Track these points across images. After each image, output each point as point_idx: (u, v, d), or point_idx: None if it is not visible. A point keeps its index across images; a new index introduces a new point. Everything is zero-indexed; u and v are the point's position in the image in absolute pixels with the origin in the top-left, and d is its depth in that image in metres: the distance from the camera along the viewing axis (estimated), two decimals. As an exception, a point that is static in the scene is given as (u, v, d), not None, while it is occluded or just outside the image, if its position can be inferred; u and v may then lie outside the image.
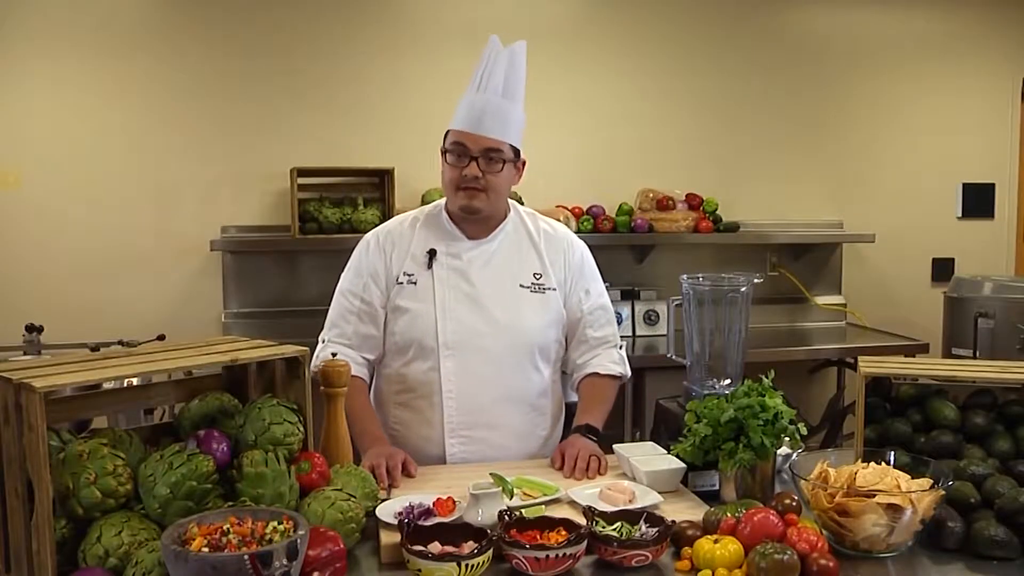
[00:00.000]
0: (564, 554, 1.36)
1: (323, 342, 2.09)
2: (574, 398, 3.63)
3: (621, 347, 2.21)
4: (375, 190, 3.92)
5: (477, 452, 2.03)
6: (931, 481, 1.49)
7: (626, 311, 4.05)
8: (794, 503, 1.52)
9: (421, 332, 2.04)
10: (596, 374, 2.14)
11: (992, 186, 4.59)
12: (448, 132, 2.02)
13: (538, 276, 2.10)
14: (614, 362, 2.16)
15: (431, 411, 2.04)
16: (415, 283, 2.06)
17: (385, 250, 2.10)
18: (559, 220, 3.75)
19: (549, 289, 2.10)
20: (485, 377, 2.03)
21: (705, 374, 1.96)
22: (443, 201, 2.14)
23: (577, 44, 4.11)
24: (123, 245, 3.74)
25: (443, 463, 2.02)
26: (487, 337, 2.03)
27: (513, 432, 2.06)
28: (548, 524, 1.45)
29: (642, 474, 1.74)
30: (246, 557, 1.16)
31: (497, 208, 2.08)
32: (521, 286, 2.08)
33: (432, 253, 2.07)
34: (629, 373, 2.21)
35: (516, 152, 2.03)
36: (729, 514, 1.47)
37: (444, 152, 2.01)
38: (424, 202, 3.77)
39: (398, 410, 2.09)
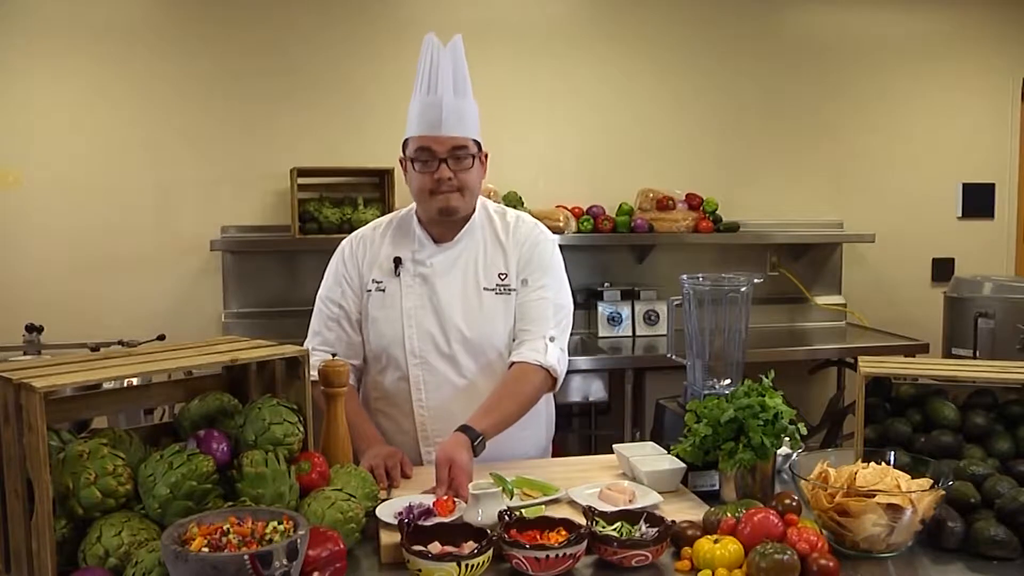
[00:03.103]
0: (564, 554, 1.36)
1: (309, 351, 2.07)
2: (569, 398, 3.59)
3: (552, 339, 2.00)
4: (375, 190, 3.92)
5: None
6: (931, 481, 1.49)
7: (626, 311, 4.05)
8: (794, 503, 1.52)
9: (389, 341, 2.02)
10: (513, 363, 1.98)
11: (992, 186, 4.59)
12: (407, 141, 1.98)
13: (503, 276, 2.04)
14: (535, 351, 1.96)
15: (404, 419, 2.03)
16: (383, 291, 2.04)
17: (357, 256, 2.09)
18: (559, 220, 3.80)
19: (512, 289, 2.04)
20: (454, 385, 2.00)
21: (705, 374, 1.96)
22: (415, 205, 2.09)
23: (577, 44, 4.11)
24: (123, 245, 3.74)
25: None
26: (452, 345, 2.00)
27: None
28: (548, 524, 1.44)
29: (642, 474, 1.74)
30: (246, 557, 1.16)
31: (471, 206, 2.05)
32: (485, 289, 2.03)
33: (397, 261, 2.05)
34: (556, 367, 1.97)
35: (478, 146, 1.99)
36: (729, 514, 1.47)
37: (409, 160, 1.97)
38: (424, 202, 3.77)
39: (378, 417, 2.08)
